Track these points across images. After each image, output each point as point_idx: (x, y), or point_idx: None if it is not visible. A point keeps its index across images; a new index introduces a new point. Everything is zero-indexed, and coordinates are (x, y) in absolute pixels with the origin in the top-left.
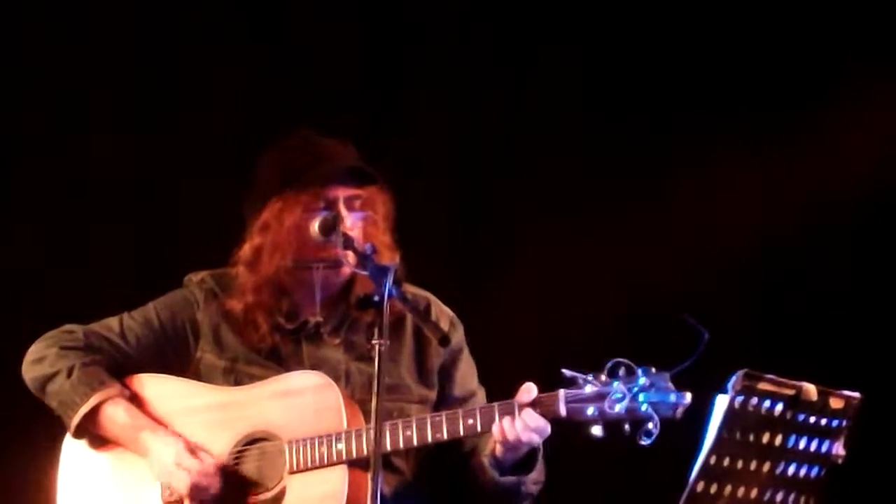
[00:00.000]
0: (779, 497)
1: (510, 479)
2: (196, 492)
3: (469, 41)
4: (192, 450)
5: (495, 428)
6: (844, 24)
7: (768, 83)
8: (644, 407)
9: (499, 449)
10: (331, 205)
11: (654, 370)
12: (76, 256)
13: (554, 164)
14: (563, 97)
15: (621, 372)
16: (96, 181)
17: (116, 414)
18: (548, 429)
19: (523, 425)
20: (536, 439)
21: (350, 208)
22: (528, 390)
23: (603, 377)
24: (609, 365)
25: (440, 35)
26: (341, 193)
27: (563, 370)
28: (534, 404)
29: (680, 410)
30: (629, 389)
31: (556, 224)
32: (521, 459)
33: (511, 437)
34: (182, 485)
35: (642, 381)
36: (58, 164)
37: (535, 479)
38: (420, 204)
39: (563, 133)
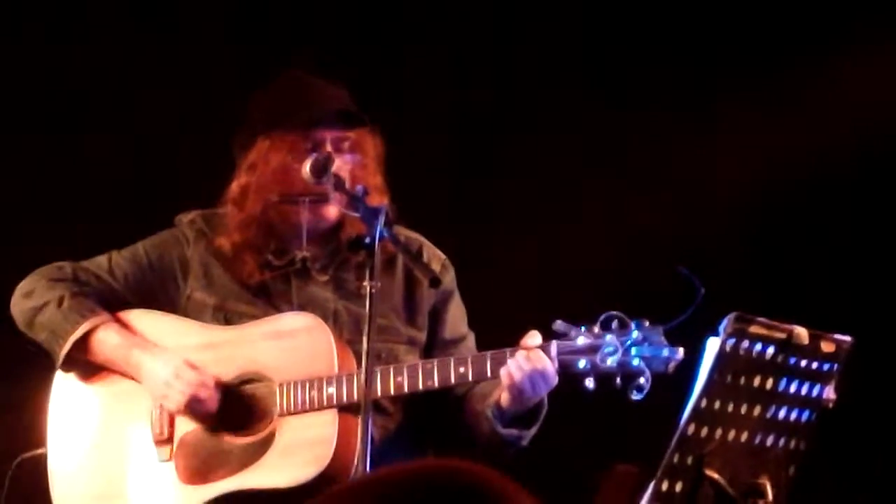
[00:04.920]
0: (769, 440)
1: (511, 431)
2: (194, 404)
3: None
4: (192, 364)
5: (503, 371)
6: None
7: (770, 33)
8: (636, 361)
9: (505, 398)
10: (318, 146)
11: (647, 324)
12: (70, 196)
13: (554, 114)
14: (563, 46)
15: (614, 325)
16: (93, 123)
17: (108, 337)
18: (555, 378)
19: (532, 367)
20: (542, 386)
21: (338, 150)
22: (533, 336)
23: (596, 329)
24: (602, 318)
25: None
26: (328, 135)
27: (557, 322)
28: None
29: (672, 365)
30: (622, 343)
31: (555, 173)
32: (525, 413)
33: (518, 377)
34: (180, 397)
35: (635, 335)
36: (55, 109)
37: (532, 433)
38: (417, 150)
39: (562, 84)
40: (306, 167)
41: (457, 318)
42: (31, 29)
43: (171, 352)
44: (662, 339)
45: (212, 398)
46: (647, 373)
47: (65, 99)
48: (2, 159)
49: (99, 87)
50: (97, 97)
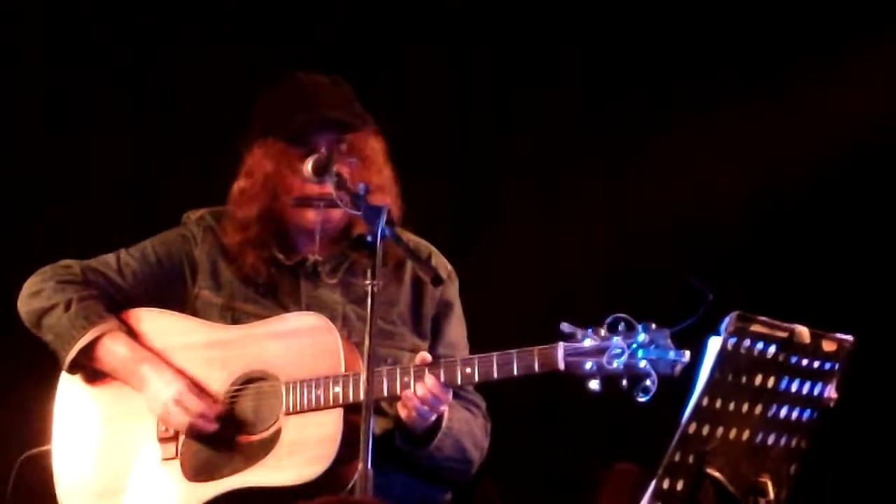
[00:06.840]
0: (771, 439)
1: (408, 447)
2: (192, 431)
3: None
4: (195, 390)
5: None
6: None
7: (770, 34)
8: (642, 363)
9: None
10: (313, 152)
11: (654, 326)
12: (76, 192)
13: (552, 116)
14: (562, 47)
15: (621, 327)
16: (96, 116)
17: (116, 347)
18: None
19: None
20: (429, 414)
21: (336, 153)
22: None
23: (602, 332)
24: (609, 320)
25: None
26: (323, 141)
27: (563, 325)
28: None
29: (678, 368)
30: (628, 345)
31: (555, 175)
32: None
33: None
34: (180, 424)
35: (642, 337)
36: (58, 94)
37: (445, 456)
38: (416, 155)
39: (561, 84)
40: (308, 166)
41: (454, 332)
42: (31, 31)
43: (177, 373)
44: (669, 341)
45: (209, 428)
46: (654, 375)
47: (66, 98)
48: (5, 156)
49: (100, 86)
50: (97, 97)
